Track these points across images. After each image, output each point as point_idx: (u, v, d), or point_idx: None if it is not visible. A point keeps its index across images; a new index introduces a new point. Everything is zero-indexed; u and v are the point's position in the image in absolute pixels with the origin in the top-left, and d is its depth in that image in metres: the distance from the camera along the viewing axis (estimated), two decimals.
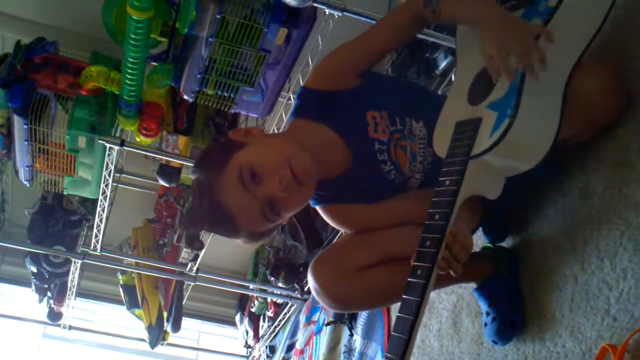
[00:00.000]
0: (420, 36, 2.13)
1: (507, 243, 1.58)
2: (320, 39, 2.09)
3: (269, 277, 3.32)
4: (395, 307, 2.25)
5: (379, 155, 1.41)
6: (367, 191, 1.43)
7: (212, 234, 1.39)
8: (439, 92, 2.18)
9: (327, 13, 1.94)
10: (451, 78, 2.17)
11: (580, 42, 1.23)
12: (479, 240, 1.67)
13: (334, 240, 2.90)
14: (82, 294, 3.95)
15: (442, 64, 2.23)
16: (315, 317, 3.12)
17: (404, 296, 1.13)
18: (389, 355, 1.09)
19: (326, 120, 1.39)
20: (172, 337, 3.97)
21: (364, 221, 1.43)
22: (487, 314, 1.48)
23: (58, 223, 3.40)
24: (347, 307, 1.57)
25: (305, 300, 3.35)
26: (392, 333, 1.11)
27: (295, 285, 3.30)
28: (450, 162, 1.22)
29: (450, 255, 1.15)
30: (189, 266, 3.33)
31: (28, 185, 2.66)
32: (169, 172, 2.91)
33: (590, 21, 1.23)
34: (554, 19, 1.19)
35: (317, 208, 1.47)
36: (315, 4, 1.87)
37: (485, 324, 1.48)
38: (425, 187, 1.45)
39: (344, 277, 1.36)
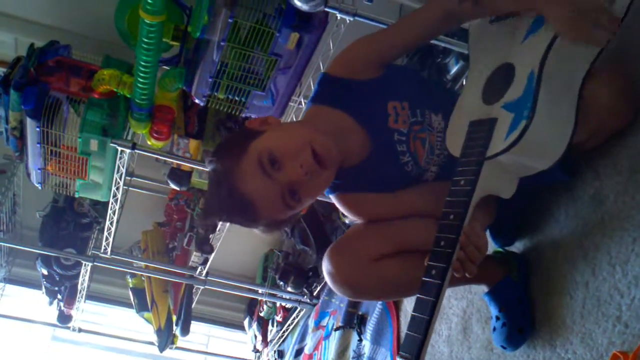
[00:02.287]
0: (431, 41, 2.13)
1: (517, 248, 1.58)
2: (331, 44, 2.09)
3: (278, 281, 3.32)
4: (404, 313, 2.25)
5: (398, 146, 1.41)
6: (383, 181, 1.43)
7: (228, 224, 1.39)
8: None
9: (338, 18, 1.94)
10: (462, 83, 2.17)
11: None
12: (490, 245, 1.66)
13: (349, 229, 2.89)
14: (92, 296, 3.96)
15: (454, 69, 2.22)
16: (324, 322, 3.12)
17: (418, 295, 1.13)
18: (403, 354, 1.09)
19: (346, 108, 1.39)
20: (181, 341, 3.98)
21: (378, 211, 1.43)
22: (497, 318, 1.48)
23: (69, 226, 3.42)
24: (360, 295, 1.57)
25: (314, 304, 3.35)
26: (407, 332, 1.11)
27: (305, 289, 3.30)
28: (465, 162, 1.22)
29: (465, 255, 1.15)
30: (199, 270, 3.33)
31: (40, 187, 2.67)
32: (179, 175, 2.92)
33: None
34: None
35: (332, 197, 1.47)
36: (326, 9, 1.88)
37: (495, 329, 1.48)
38: (440, 180, 1.45)
39: (360, 264, 1.36)
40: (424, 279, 1.14)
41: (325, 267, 1.39)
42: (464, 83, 1.99)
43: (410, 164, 1.43)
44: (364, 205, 1.45)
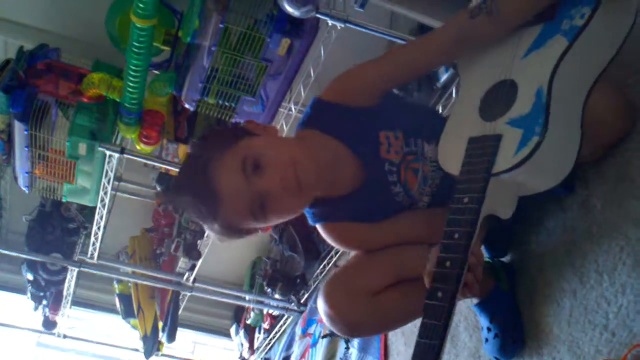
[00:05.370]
0: None
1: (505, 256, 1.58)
2: (322, 50, 2.10)
3: (266, 288, 3.31)
4: None
5: (389, 177, 1.38)
6: (371, 211, 1.39)
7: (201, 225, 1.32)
8: (445, 110, 2.18)
9: (329, 24, 1.94)
10: (452, 91, 2.18)
11: (601, 62, 1.21)
12: None
13: (336, 257, 2.88)
14: (77, 302, 3.92)
15: (443, 77, 2.23)
16: (311, 330, 3.11)
17: (424, 320, 1.05)
18: None
19: (338, 135, 1.36)
20: (166, 348, 3.95)
21: (366, 240, 1.40)
22: (488, 329, 1.45)
23: (55, 230, 3.39)
24: (362, 333, 1.51)
25: (302, 312, 3.34)
26: None
27: (292, 296, 3.29)
28: (468, 179, 1.18)
29: (473, 278, 1.11)
30: (186, 276, 3.32)
31: (27, 191, 2.66)
32: (168, 180, 2.91)
33: (611, 42, 1.21)
34: (580, 38, 1.18)
35: (318, 226, 1.42)
36: (318, 15, 1.88)
37: (486, 340, 1.46)
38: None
39: (360, 303, 1.30)
40: (427, 302, 1.06)
41: (322, 307, 1.31)
42: (455, 99, 1.98)
43: (401, 194, 1.39)
44: (352, 235, 1.40)
